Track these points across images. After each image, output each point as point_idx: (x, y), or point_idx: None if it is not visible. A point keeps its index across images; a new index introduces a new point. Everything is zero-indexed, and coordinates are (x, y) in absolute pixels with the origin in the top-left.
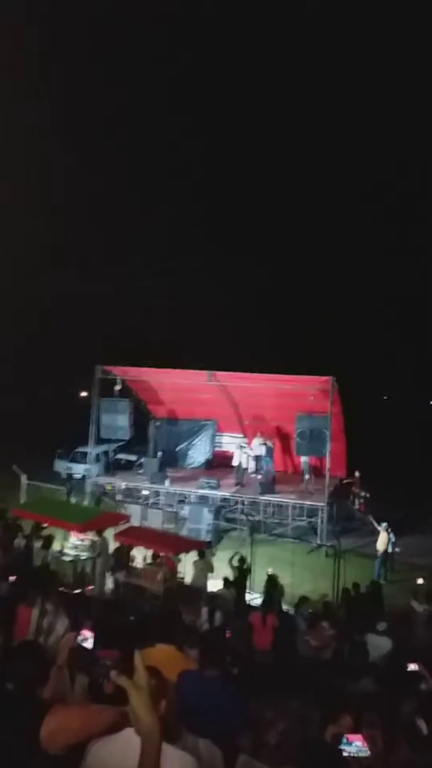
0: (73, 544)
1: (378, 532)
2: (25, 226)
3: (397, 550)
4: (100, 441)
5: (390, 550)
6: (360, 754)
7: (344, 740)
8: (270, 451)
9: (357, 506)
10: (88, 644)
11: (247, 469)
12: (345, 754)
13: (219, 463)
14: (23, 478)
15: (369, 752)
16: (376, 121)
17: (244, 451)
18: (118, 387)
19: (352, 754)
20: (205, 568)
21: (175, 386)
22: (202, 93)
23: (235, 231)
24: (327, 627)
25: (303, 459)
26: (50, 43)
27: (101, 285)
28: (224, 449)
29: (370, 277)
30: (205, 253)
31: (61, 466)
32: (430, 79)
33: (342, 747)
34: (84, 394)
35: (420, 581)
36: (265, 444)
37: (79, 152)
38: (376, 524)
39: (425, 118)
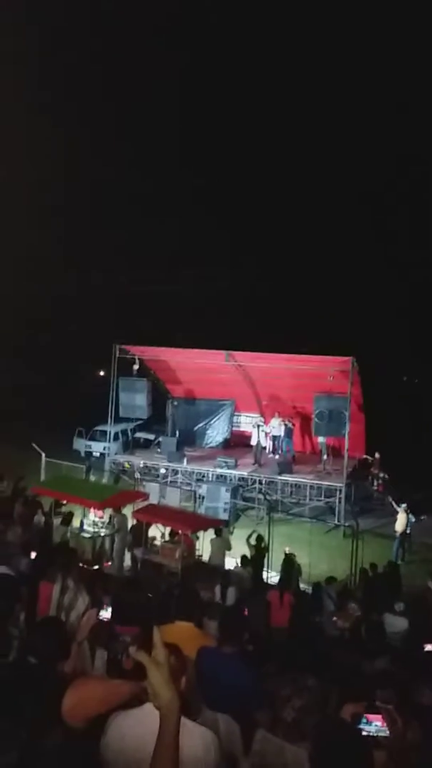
0: (92, 521)
1: (396, 513)
2: (44, 211)
3: (407, 531)
4: (118, 420)
5: (408, 531)
6: (379, 734)
7: (363, 720)
8: (290, 432)
9: (375, 487)
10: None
11: (265, 448)
12: (364, 733)
13: (237, 442)
14: (43, 456)
15: (389, 732)
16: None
17: (262, 429)
18: (136, 366)
19: (371, 734)
20: (222, 546)
21: (193, 366)
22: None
23: (251, 211)
24: (355, 608)
25: (321, 439)
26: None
27: (121, 271)
28: (242, 429)
29: (389, 255)
30: (223, 234)
31: (80, 444)
32: None
33: (361, 726)
34: (102, 373)
35: None
36: (285, 424)
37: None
38: (395, 505)
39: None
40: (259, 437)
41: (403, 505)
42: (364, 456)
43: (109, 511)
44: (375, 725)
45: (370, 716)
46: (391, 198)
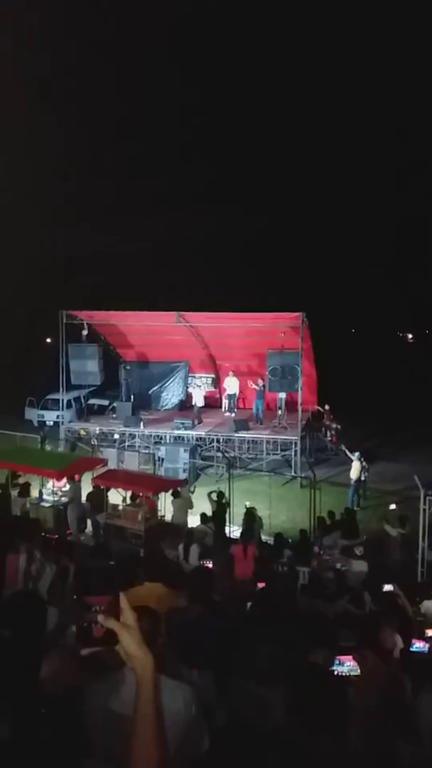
0: (50, 490)
1: (346, 462)
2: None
3: (362, 479)
4: (70, 387)
5: (363, 478)
6: (351, 673)
7: (336, 661)
8: (261, 393)
9: (329, 438)
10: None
11: (204, 407)
12: (336, 674)
13: (190, 403)
14: None
15: (360, 671)
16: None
17: (199, 388)
18: (84, 332)
19: (344, 674)
20: (183, 505)
21: (144, 329)
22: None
23: (195, 162)
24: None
25: (280, 395)
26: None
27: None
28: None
29: (336, 211)
30: (170, 195)
31: (32, 414)
32: None
33: (334, 668)
34: (48, 340)
35: (392, 507)
36: (257, 386)
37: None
38: (349, 453)
39: None
40: (195, 398)
41: (357, 454)
42: (317, 407)
43: (67, 480)
44: (347, 665)
45: (342, 657)
46: (340, 153)
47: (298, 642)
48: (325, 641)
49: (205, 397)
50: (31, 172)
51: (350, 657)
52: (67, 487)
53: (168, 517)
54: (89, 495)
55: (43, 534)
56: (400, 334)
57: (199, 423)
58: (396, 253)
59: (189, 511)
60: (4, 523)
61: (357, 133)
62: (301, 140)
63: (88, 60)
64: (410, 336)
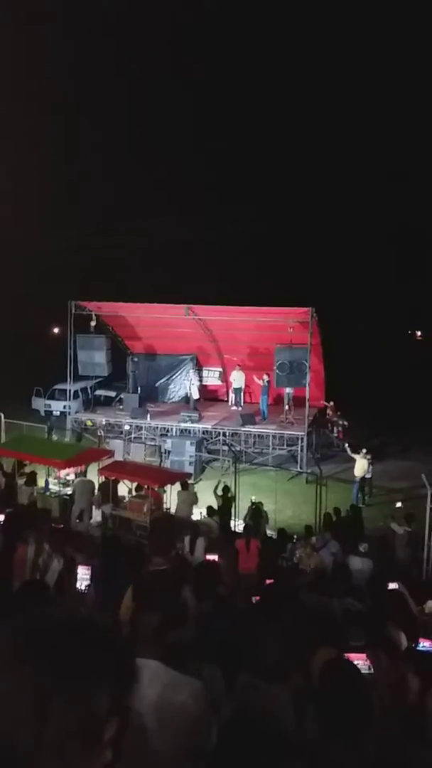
0: (56, 480)
1: (352, 459)
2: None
3: (367, 476)
4: (77, 378)
5: (369, 475)
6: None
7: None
8: (266, 388)
9: (336, 434)
10: None
11: (199, 399)
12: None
13: (199, 396)
14: (2, 417)
15: (373, 670)
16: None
17: (192, 384)
18: (93, 323)
19: None
20: (188, 498)
21: (152, 321)
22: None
23: (206, 163)
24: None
25: (287, 390)
26: None
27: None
28: (204, 383)
29: (346, 206)
30: (181, 191)
31: (39, 403)
32: None
33: None
34: (56, 330)
35: (398, 504)
36: (262, 381)
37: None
38: (349, 451)
39: None
40: (190, 391)
41: (363, 451)
42: (323, 403)
43: (74, 471)
44: (357, 665)
45: (352, 656)
46: (349, 147)
47: (307, 639)
48: (334, 639)
49: (205, 390)
50: (34, 164)
51: (362, 656)
52: (71, 476)
53: (173, 510)
54: (99, 486)
55: (51, 524)
56: (409, 332)
57: (199, 417)
58: (407, 250)
59: (194, 504)
60: (13, 512)
61: (372, 125)
62: (314, 133)
63: (89, 60)
64: (419, 334)
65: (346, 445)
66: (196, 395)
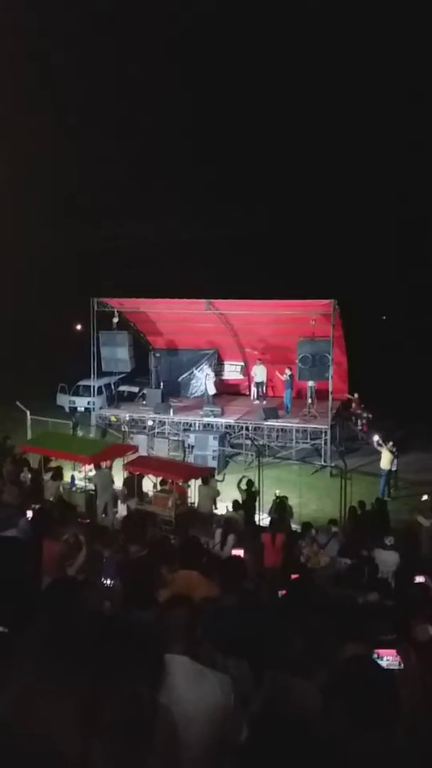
0: (82, 475)
1: (376, 452)
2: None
3: (392, 469)
4: (101, 374)
5: (394, 468)
6: (391, 668)
7: (375, 656)
8: (290, 382)
9: (360, 427)
10: None
11: (217, 394)
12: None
13: (221, 390)
14: (28, 414)
15: (402, 665)
16: None
17: (209, 378)
18: (115, 319)
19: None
20: (209, 493)
21: (173, 316)
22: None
23: (228, 159)
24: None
25: (310, 384)
26: None
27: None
28: (226, 377)
29: (366, 196)
30: (200, 184)
31: (63, 400)
32: None
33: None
34: (79, 327)
35: (425, 497)
36: (286, 375)
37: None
38: (375, 444)
39: None
40: (206, 385)
41: (389, 443)
42: (347, 396)
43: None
44: (387, 659)
45: (381, 651)
46: (372, 140)
47: (336, 633)
48: (362, 633)
49: (226, 384)
50: (48, 163)
51: (392, 651)
52: (93, 472)
53: (196, 504)
54: (125, 481)
55: (78, 519)
56: None
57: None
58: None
59: (216, 498)
60: (41, 508)
61: (396, 116)
62: (334, 125)
63: (88, 60)
64: None
65: (376, 437)
66: (212, 390)
